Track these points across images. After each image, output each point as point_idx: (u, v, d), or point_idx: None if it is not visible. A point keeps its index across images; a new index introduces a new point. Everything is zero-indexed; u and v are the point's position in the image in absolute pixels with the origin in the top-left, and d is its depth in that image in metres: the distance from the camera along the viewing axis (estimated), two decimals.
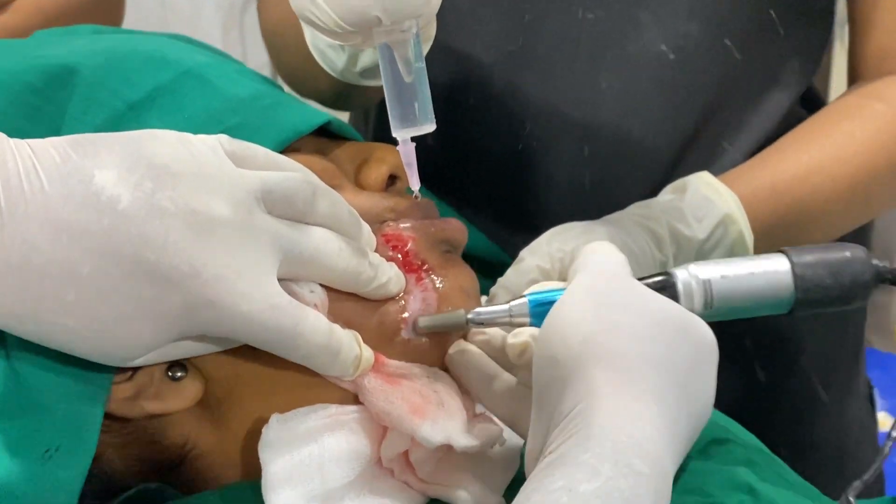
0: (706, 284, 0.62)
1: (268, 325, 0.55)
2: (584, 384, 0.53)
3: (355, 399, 0.62)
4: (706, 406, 0.57)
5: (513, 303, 0.62)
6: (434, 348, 0.64)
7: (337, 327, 0.59)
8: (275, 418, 0.59)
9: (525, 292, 0.63)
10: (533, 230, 0.80)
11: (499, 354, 0.65)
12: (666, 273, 0.63)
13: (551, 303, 0.59)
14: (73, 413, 0.57)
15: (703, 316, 0.60)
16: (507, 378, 0.64)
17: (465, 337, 0.66)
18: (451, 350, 0.65)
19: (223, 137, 0.57)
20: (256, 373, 0.61)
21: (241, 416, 0.62)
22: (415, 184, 0.64)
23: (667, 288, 0.62)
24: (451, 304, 0.64)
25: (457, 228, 0.68)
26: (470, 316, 0.63)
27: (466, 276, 0.67)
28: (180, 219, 0.53)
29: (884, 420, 1.78)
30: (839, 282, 0.62)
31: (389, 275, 0.62)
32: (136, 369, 0.59)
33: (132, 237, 0.52)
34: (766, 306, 0.63)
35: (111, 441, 0.62)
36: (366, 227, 0.63)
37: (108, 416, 0.59)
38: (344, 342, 0.59)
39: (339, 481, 0.59)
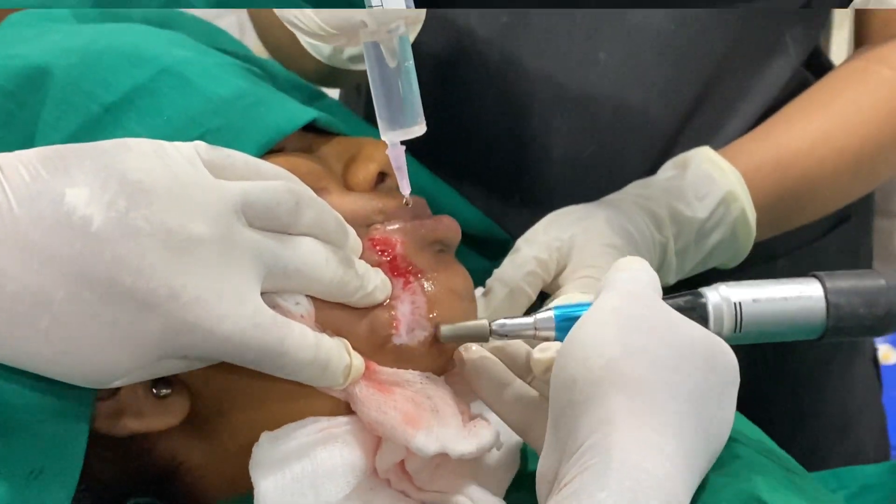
0: (737, 307, 0.61)
1: (251, 344, 0.54)
2: (603, 412, 0.53)
3: (348, 408, 0.61)
4: (725, 432, 0.57)
5: (538, 316, 0.62)
6: (428, 355, 0.64)
7: (325, 338, 0.58)
8: (265, 437, 0.59)
9: (552, 304, 0.63)
10: (531, 204, 0.79)
11: (512, 361, 0.64)
12: (696, 293, 0.62)
13: (577, 318, 0.58)
14: (57, 433, 0.56)
15: (729, 339, 0.60)
16: (520, 386, 0.63)
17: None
18: (469, 354, 0.64)
19: (201, 145, 0.56)
20: (244, 387, 0.61)
21: (230, 430, 0.62)
22: (405, 188, 0.63)
23: (696, 309, 0.62)
24: (441, 307, 0.64)
25: (448, 227, 0.67)
26: (494, 327, 0.62)
27: (458, 278, 0.66)
28: (156, 239, 0.51)
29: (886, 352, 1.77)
30: (873, 312, 0.62)
31: (375, 282, 0.61)
32: (117, 389, 0.59)
33: (106, 260, 0.51)
34: (796, 332, 0.62)
35: (100, 455, 0.62)
36: (352, 234, 0.61)
37: (95, 432, 0.59)
38: (333, 353, 0.58)
39: (335, 496, 0.59)
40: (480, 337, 0.63)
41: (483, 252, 0.84)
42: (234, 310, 0.53)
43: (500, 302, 0.73)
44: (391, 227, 0.65)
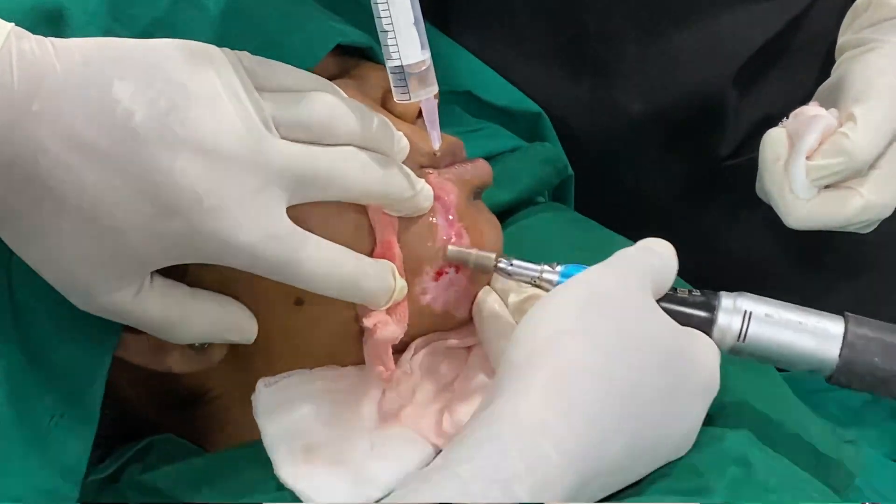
0: (745, 317, 0.58)
1: (265, 255, 0.54)
2: (522, 381, 0.52)
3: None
4: (672, 441, 0.55)
5: (545, 267, 0.61)
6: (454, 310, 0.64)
7: (357, 256, 0.57)
8: (261, 383, 0.59)
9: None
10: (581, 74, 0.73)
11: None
12: (713, 293, 0.59)
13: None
14: (78, 369, 0.57)
15: (730, 350, 0.58)
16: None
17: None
18: (479, 296, 0.64)
19: (245, 54, 0.55)
20: (293, 321, 0.60)
21: (266, 361, 0.62)
22: (436, 141, 0.61)
23: (703, 306, 0.59)
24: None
25: (488, 174, 0.66)
26: (500, 264, 0.62)
27: (492, 232, 0.66)
28: (189, 144, 0.52)
29: None
30: (890, 367, 0.58)
31: (420, 186, 0.60)
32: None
33: (141, 157, 0.51)
34: (802, 361, 0.59)
35: (124, 375, 0.62)
36: (400, 137, 0.60)
37: (127, 362, 0.59)
38: (370, 271, 0.58)
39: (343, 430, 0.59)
40: (484, 267, 0.62)
41: (513, 124, 0.82)
42: (252, 220, 0.53)
43: None
44: (445, 175, 0.64)
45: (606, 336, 0.54)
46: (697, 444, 0.56)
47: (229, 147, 0.52)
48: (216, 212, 0.52)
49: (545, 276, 0.61)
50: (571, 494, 0.50)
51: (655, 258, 0.58)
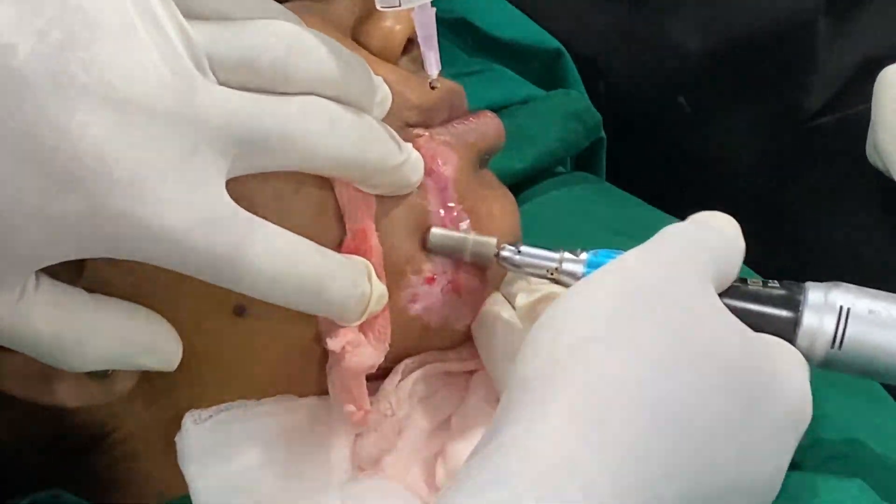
0: (842, 314, 0.53)
1: (198, 247, 0.49)
2: (540, 406, 0.49)
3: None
4: (752, 493, 0.51)
5: (566, 255, 0.57)
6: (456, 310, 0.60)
7: (324, 252, 0.54)
8: (189, 419, 0.56)
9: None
10: None
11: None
12: (796, 284, 0.55)
13: None
14: None
15: (823, 361, 0.53)
16: None
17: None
18: (485, 306, 0.61)
19: None
20: (230, 337, 0.57)
21: (193, 393, 0.58)
22: (432, 66, 0.57)
23: (783, 303, 0.54)
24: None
25: (497, 133, 0.62)
26: (504, 253, 0.57)
27: (506, 212, 0.62)
28: (93, 93, 0.48)
29: None
30: None
31: (407, 153, 0.56)
32: None
33: (26, 108, 0.47)
34: None
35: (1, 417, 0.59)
36: (379, 83, 0.56)
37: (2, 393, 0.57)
38: (337, 273, 0.53)
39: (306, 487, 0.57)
40: (482, 257, 0.58)
41: (523, 65, 0.81)
42: (179, 198, 0.49)
43: None
44: (441, 136, 0.60)
45: (652, 345, 0.50)
46: (785, 497, 0.53)
47: (148, 96, 0.49)
48: (129, 186, 0.48)
49: (566, 266, 0.56)
50: None
51: (715, 238, 0.54)
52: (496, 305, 0.61)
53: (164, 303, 0.55)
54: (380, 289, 0.55)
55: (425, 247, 0.58)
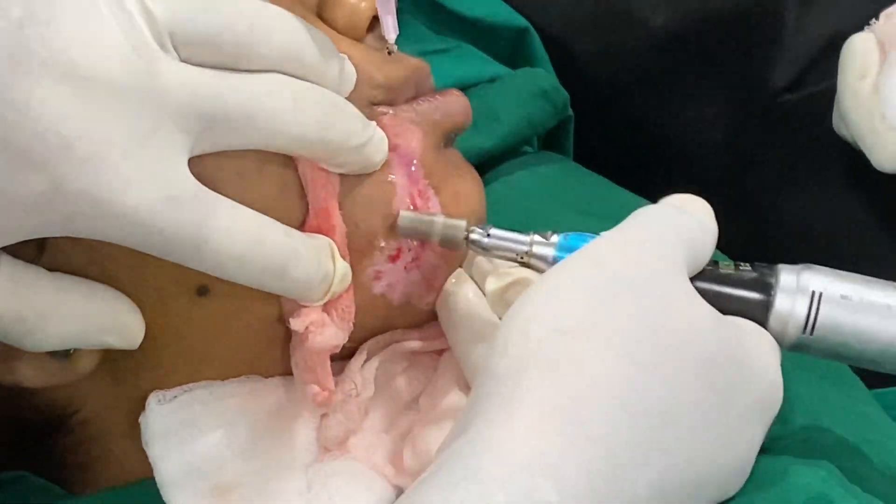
0: (814, 298, 0.53)
1: (160, 225, 0.49)
2: (508, 400, 0.49)
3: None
4: (723, 480, 0.51)
5: (536, 238, 0.56)
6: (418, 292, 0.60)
7: (287, 230, 0.53)
8: (153, 399, 0.56)
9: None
10: None
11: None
12: (767, 266, 0.55)
13: None
14: None
15: (794, 345, 0.54)
16: None
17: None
18: (448, 285, 0.61)
19: None
20: (193, 317, 0.57)
21: (157, 373, 0.58)
22: (391, 32, 0.57)
23: (754, 286, 0.54)
24: None
25: (464, 111, 0.62)
26: (474, 236, 0.57)
27: (472, 190, 0.61)
28: (53, 69, 0.47)
29: None
30: None
31: (371, 131, 0.56)
32: None
33: None
34: (891, 359, 0.54)
35: None
36: (343, 60, 0.55)
37: None
38: (301, 252, 0.53)
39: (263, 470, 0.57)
40: (451, 240, 0.57)
41: (490, 43, 0.81)
42: (142, 176, 0.49)
43: None
44: (406, 114, 0.59)
45: (625, 337, 0.50)
46: (755, 482, 0.53)
47: (109, 72, 0.48)
48: (90, 163, 0.48)
49: (536, 250, 0.56)
50: None
51: (688, 222, 0.54)
52: (459, 285, 0.61)
53: (126, 282, 0.55)
54: (343, 268, 0.55)
55: (394, 229, 0.58)
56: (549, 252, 0.56)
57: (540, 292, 0.52)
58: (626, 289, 0.51)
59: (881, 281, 0.55)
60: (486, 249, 0.57)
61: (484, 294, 0.60)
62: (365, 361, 0.60)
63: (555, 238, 0.56)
